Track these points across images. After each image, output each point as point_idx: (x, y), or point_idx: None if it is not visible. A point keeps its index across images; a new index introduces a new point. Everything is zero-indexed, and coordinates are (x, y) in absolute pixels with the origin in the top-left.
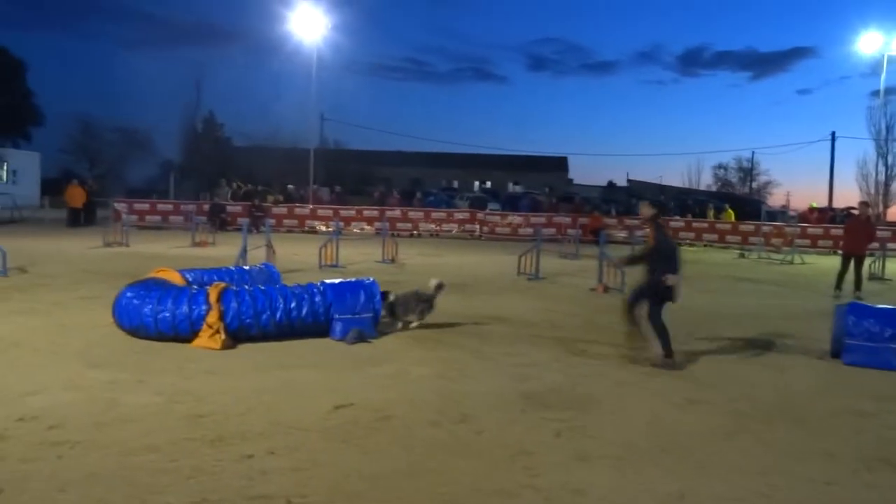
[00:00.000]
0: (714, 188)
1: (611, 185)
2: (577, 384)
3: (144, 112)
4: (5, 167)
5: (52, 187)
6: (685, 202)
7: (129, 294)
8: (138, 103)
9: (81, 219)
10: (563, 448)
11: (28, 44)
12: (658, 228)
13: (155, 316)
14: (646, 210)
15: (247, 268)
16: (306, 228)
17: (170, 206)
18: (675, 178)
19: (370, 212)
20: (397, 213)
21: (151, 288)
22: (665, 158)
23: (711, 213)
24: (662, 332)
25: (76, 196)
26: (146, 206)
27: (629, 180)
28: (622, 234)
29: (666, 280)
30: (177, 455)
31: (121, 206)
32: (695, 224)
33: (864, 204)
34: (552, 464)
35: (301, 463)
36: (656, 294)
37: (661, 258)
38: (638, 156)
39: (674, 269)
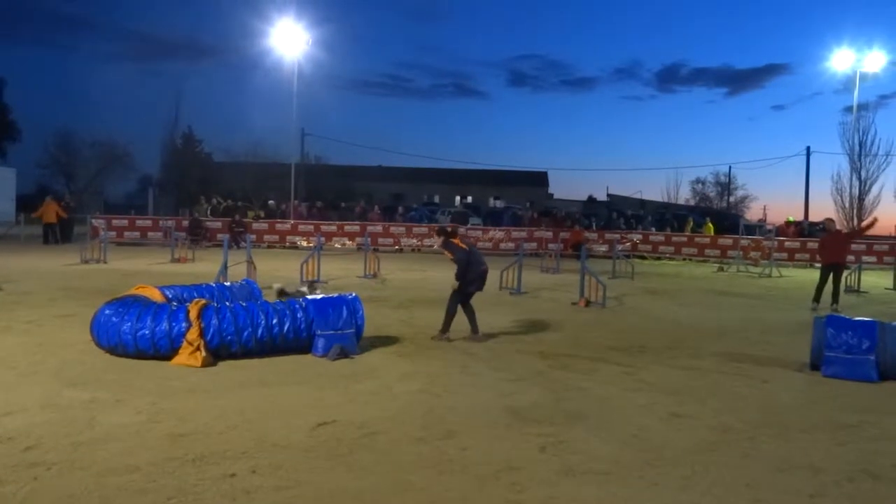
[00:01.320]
0: (693, 202)
1: (591, 199)
2: (562, 399)
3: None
4: None
5: (28, 203)
6: (664, 216)
7: (107, 311)
8: (117, 118)
9: (57, 235)
10: (549, 463)
11: (4, 58)
12: (448, 246)
13: (134, 333)
14: (437, 237)
15: (227, 284)
16: (287, 244)
17: (149, 222)
18: (654, 192)
19: (351, 227)
20: (379, 228)
21: (130, 305)
22: (644, 173)
23: (689, 226)
24: (450, 317)
25: (50, 212)
26: (124, 223)
27: (609, 194)
28: (603, 248)
29: (453, 285)
30: (157, 475)
31: (98, 223)
32: (674, 238)
33: (829, 220)
34: (538, 479)
35: (284, 481)
36: (459, 292)
37: (457, 268)
38: (617, 170)
39: (459, 276)
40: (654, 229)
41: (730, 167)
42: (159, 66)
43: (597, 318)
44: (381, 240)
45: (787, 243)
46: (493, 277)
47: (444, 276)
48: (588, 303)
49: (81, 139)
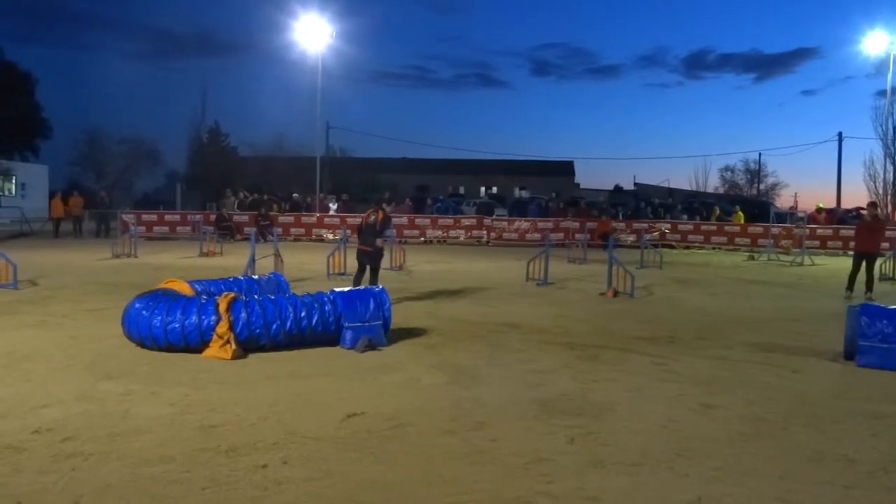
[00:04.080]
0: (722, 190)
1: (618, 188)
2: (590, 390)
3: (150, 124)
4: (14, 181)
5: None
6: (692, 204)
7: (138, 305)
8: (144, 115)
9: (78, 228)
10: (578, 454)
11: (35, 58)
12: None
13: (164, 327)
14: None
15: (255, 277)
16: (313, 237)
17: (177, 217)
18: (682, 180)
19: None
20: (404, 220)
21: (160, 299)
22: (672, 161)
23: (715, 214)
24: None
25: (56, 208)
26: (153, 217)
27: (636, 183)
28: (631, 238)
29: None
30: (191, 466)
31: (128, 218)
32: (703, 227)
33: (871, 205)
34: (567, 470)
35: (315, 473)
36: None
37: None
38: (645, 159)
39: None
40: (686, 217)
41: (759, 154)
42: (185, 63)
43: (625, 308)
44: (406, 231)
45: (818, 231)
46: (519, 268)
47: (469, 267)
48: (616, 293)
49: (110, 136)
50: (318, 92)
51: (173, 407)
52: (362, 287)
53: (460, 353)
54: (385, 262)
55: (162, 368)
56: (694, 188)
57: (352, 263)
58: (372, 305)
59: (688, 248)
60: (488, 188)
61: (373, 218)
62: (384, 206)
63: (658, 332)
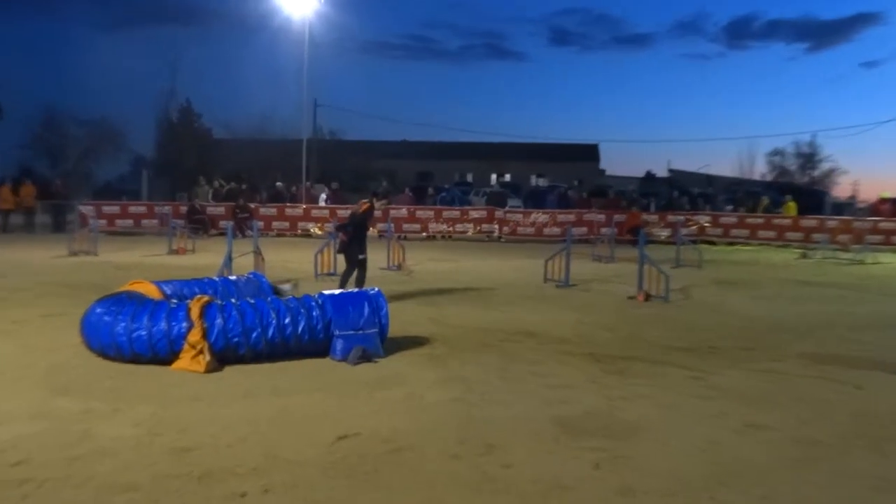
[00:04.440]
0: (770, 177)
1: (650, 175)
2: (618, 408)
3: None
4: None
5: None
6: (736, 194)
7: (99, 310)
8: (106, 92)
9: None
10: (605, 481)
11: None
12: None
13: (129, 335)
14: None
15: (233, 278)
16: (299, 232)
17: (143, 209)
18: (724, 166)
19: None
20: (404, 212)
21: (124, 303)
22: (712, 144)
23: (763, 205)
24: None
25: (6, 198)
26: (116, 209)
27: (671, 170)
28: (665, 233)
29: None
30: (159, 494)
31: (87, 210)
32: (749, 220)
33: None
34: (592, 500)
35: (301, 502)
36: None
37: None
38: (680, 142)
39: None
40: (730, 208)
41: (813, 136)
42: (152, 33)
43: (658, 313)
44: (406, 226)
45: (882, 224)
46: (536, 268)
47: (478, 266)
48: (648, 296)
49: (67, 116)
50: (305, 65)
51: (139, 427)
52: (354, 289)
53: (468, 366)
54: (382, 261)
55: (126, 382)
56: (737, 175)
57: (343, 262)
58: (366, 311)
59: (731, 244)
60: (500, 175)
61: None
62: (374, 199)
63: (696, 342)
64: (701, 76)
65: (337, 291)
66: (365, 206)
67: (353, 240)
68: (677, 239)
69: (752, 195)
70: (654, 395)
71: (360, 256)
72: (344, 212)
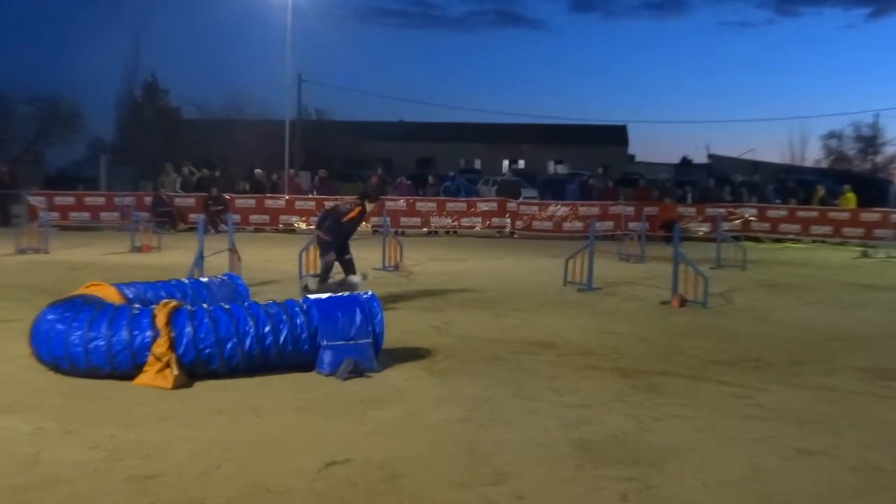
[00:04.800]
0: (825, 164)
1: (686, 161)
2: (649, 430)
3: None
4: None
5: None
6: (785, 183)
7: (50, 317)
8: (60, 67)
9: None
10: None
11: None
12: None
13: (85, 345)
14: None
15: (204, 280)
16: (281, 227)
17: (101, 200)
18: (772, 150)
19: None
20: (402, 203)
21: (80, 308)
22: (757, 125)
23: (817, 196)
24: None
25: None
26: (70, 200)
27: (710, 155)
28: (703, 228)
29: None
30: None
31: (37, 201)
32: (800, 213)
33: None
34: None
35: None
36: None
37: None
38: (721, 122)
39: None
40: (779, 200)
41: (876, 116)
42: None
43: (695, 321)
44: (404, 219)
45: None
46: (555, 269)
47: (488, 266)
48: (683, 302)
49: (14, 94)
50: (288, 34)
51: (97, 451)
52: (343, 293)
53: (476, 381)
54: (375, 261)
55: (82, 400)
56: (787, 161)
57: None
58: (358, 318)
59: (779, 240)
60: (513, 162)
61: (347, 207)
62: (365, 202)
63: (739, 354)
64: (744, 47)
65: (325, 296)
66: (354, 213)
67: (334, 245)
68: (718, 235)
69: (805, 185)
70: (691, 415)
71: (346, 256)
72: (331, 204)
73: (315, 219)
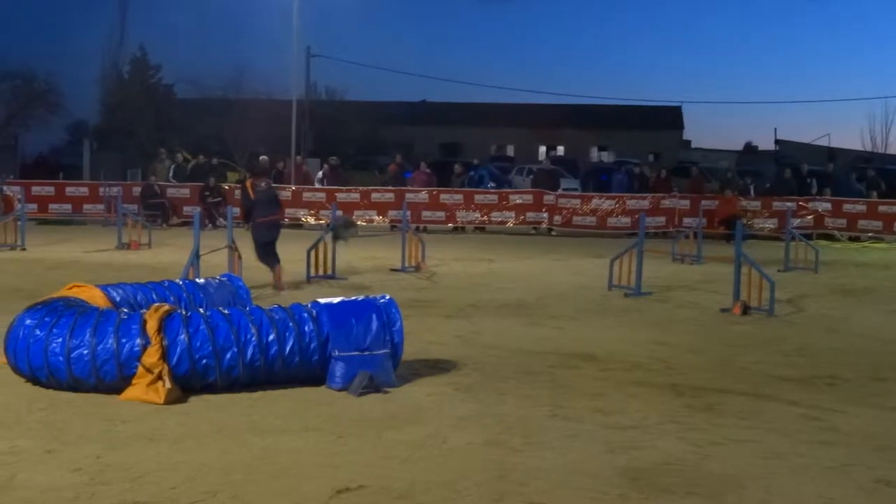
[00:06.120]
0: None
1: (750, 148)
2: (706, 457)
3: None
4: None
5: None
6: (865, 173)
7: (28, 322)
8: (37, 40)
9: None
10: None
11: None
12: (243, 190)
13: (67, 354)
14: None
15: (201, 281)
16: (286, 221)
17: (84, 190)
18: (850, 135)
19: (383, 194)
20: (423, 195)
21: (61, 312)
22: (834, 107)
23: None
24: (272, 264)
25: None
26: (50, 191)
27: (778, 140)
28: (769, 225)
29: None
30: None
31: (12, 191)
32: (882, 208)
33: None
34: None
35: None
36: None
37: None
38: (791, 103)
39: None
40: (874, 195)
41: None
42: None
43: (760, 332)
44: (426, 213)
45: None
46: (598, 271)
47: (521, 267)
48: (746, 309)
49: None
50: (295, 2)
51: (79, 473)
52: (360, 297)
53: (507, 399)
54: (394, 260)
55: (64, 416)
56: (868, 148)
57: (344, 261)
58: (375, 325)
59: (856, 239)
60: (551, 148)
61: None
62: (247, 179)
63: (811, 370)
64: (816, 14)
65: (336, 300)
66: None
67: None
68: (786, 233)
69: (890, 175)
70: (755, 439)
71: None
72: (344, 196)
73: (325, 213)
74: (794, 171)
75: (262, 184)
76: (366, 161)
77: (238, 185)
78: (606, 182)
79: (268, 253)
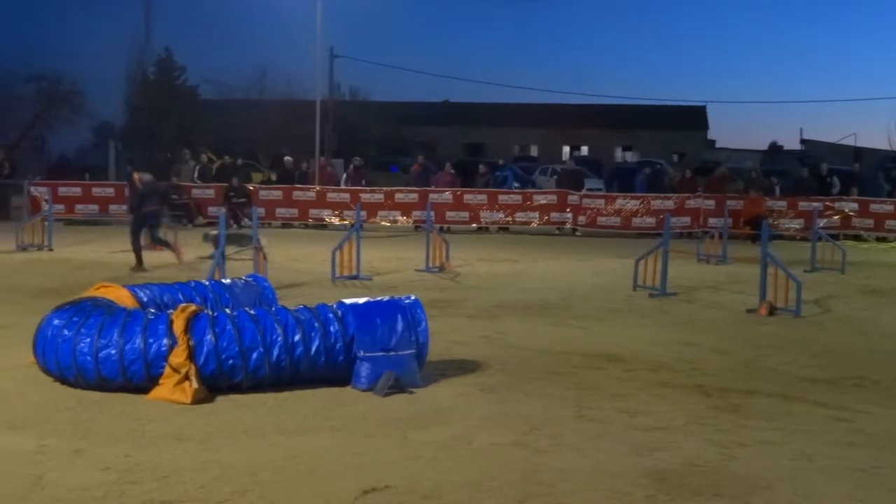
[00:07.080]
0: None
1: (775, 148)
2: (733, 458)
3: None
4: None
5: None
6: (891, 173)
7: (56, 322)
8: (63, 42)
9: None
10: None
11: None
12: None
13: (95, 354)
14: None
15: (227, 282)
16: (311, 221)
17: (110, 191)
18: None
19: (407, 195)
20: (447, 196)
21: (89, 313)
22: (861, 106)
23: None
24: (136, 250)
25: None
26: (76, 191)
27: (804, 140)
28: (795, 225)
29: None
30: None
31: (39, 192)
32: None
33: None
34: None
35: None
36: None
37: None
38: (816, 102)
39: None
40: (888, 193)
41: None
42: None
43: (787, 333)
44: (450, 214)
45: None
46: (623, 271)
47: (546, 267)
48: (773, 309)
49: (12, 72)
50: (319, 4)
51: (108, 472)
52: (385, 297)
53: (533, 400)
54: (419, 261)
55: (92, 415)
56: (894, 148)
57: (368, 261)
58: (400, 325)
59: (883, 239)
60: (575, 148)
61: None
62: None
63: (838, 371)
64: (841, 9)
65: (361, 300)
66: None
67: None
68: (812, 233)
69: None
70: (782, 441)
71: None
72: (368, 196)
73: (348, 213)
74: (813, 171)
75: (147, 177)
76: (389, 161)
77: (260, 185)
78: (630, 182)
79: (136, 239)
